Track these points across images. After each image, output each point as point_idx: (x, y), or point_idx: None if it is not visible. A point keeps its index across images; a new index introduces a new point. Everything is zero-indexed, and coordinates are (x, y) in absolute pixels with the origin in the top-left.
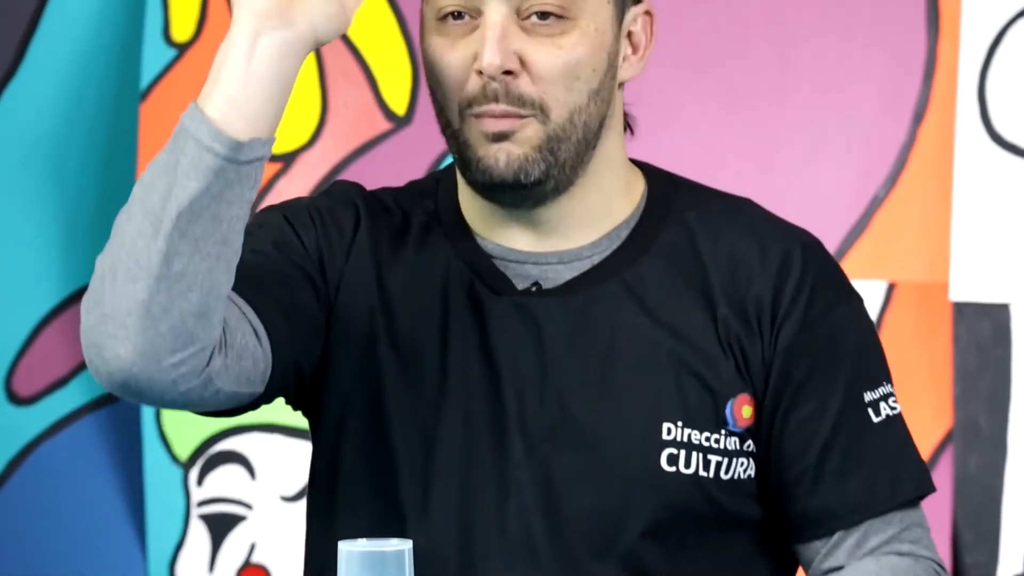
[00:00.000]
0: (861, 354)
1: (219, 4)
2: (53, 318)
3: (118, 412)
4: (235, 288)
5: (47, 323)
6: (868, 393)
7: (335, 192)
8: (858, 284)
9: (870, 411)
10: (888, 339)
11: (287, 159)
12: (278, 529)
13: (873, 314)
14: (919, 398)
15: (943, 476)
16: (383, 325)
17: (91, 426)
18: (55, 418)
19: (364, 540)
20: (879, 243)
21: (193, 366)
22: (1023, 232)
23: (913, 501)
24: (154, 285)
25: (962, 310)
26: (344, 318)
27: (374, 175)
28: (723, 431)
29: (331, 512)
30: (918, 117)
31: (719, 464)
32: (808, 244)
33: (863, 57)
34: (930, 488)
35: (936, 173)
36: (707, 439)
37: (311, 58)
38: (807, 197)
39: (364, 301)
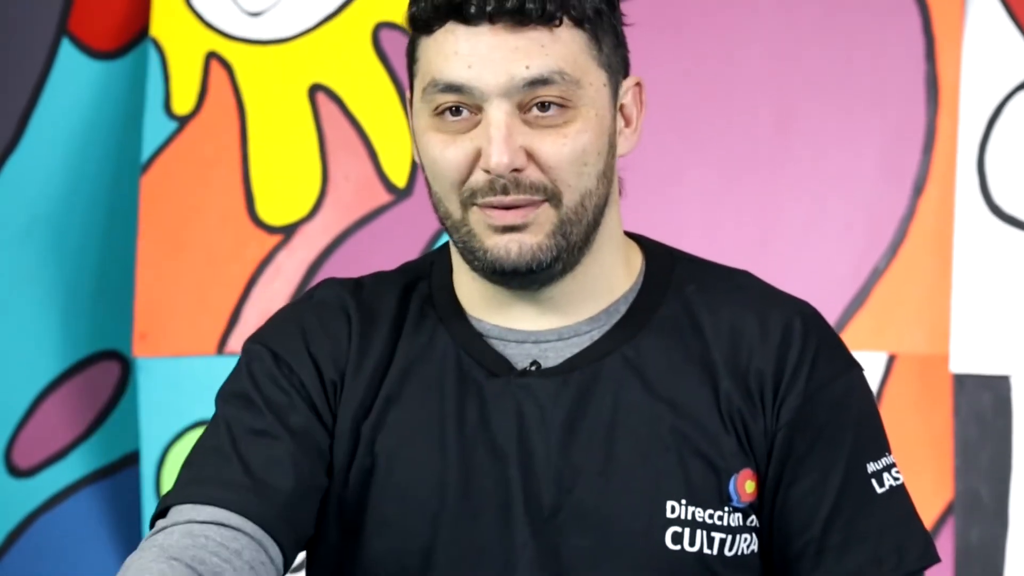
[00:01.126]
0: (863, 425)
1: (220, 77)
2: (53, 390)
3: (118, 484)
4: (248, 498)
5: (47, 395)
6: (871, 464)
7: (323, 300)
8: (858, 355)
9: (873, 482)
10: (888, 411)
11: (288, 231)
12: None
13: (873, 386)
14: (920, 470)
15: (944, 548)
16: (380, 416)
17: (91, 498)
18: (55, 490)
19: None
20: (879, 314)
21: None
22: (1023, 304)
23: (918, 572)
24: None
25: (963, 382)
26: (347, 424)
27: (374, 247)
28: (726, 508)
29: None
30: (918, 189)
31: (723, 541)
32: (808, 315)
33: (863, 129)
34: (935, 558)
35: (936, 245)
36: (711, 516)
37: (312, 130)
38: (807, 268)
39: (364, 400)
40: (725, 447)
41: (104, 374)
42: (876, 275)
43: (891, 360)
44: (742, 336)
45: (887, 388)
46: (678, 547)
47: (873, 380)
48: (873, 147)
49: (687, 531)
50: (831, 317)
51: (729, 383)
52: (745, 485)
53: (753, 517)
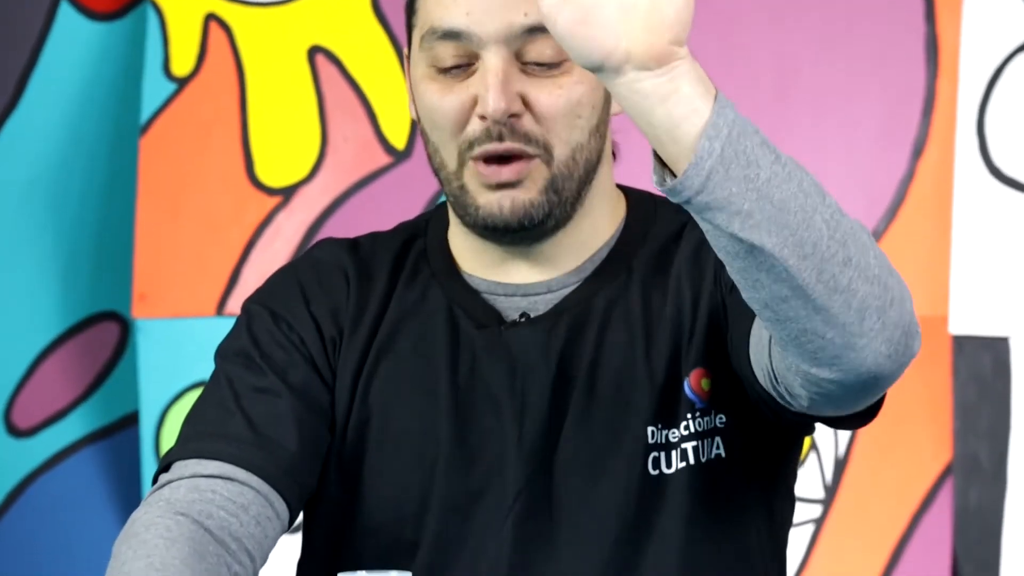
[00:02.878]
0: None
1: (219, 38)
2: (52, 351)
3: (117, 445)
4: (252, 453)
5: (46, 356)
6: None
7: (321, 259)
8: None
9: None
10: None
11: (287, 193)
12: (278, 561)
13: None
14: (919, 431)
15: (943, 509)
16: (373, 368)
17: (90, 458)
18: (54, 450)
19: (363, 572)
20: None
21: None
22: (1022, 265)
23: None
24: None
25: (962, 344)
26: (345, 376)
27: (374, 209)
28: (690, 415)
29: (326, 546)
30: (917, 151)
31: (696, 448)
32: None
33: (863, 91)
34: None
35: (935, 207)
36: (685, 427)
37: (311, 92)
38: None
39: (360, 355)
40: (682, 358)
41: (103, 335)
42: (875, 237)
43: None
44: (704, 247)
45: None
46: (657, 472)
47: None
48: (873, 109)
49: (663, 455)
50: None
51: (683, 294)
52: (700, 383)
53: (721, 415)
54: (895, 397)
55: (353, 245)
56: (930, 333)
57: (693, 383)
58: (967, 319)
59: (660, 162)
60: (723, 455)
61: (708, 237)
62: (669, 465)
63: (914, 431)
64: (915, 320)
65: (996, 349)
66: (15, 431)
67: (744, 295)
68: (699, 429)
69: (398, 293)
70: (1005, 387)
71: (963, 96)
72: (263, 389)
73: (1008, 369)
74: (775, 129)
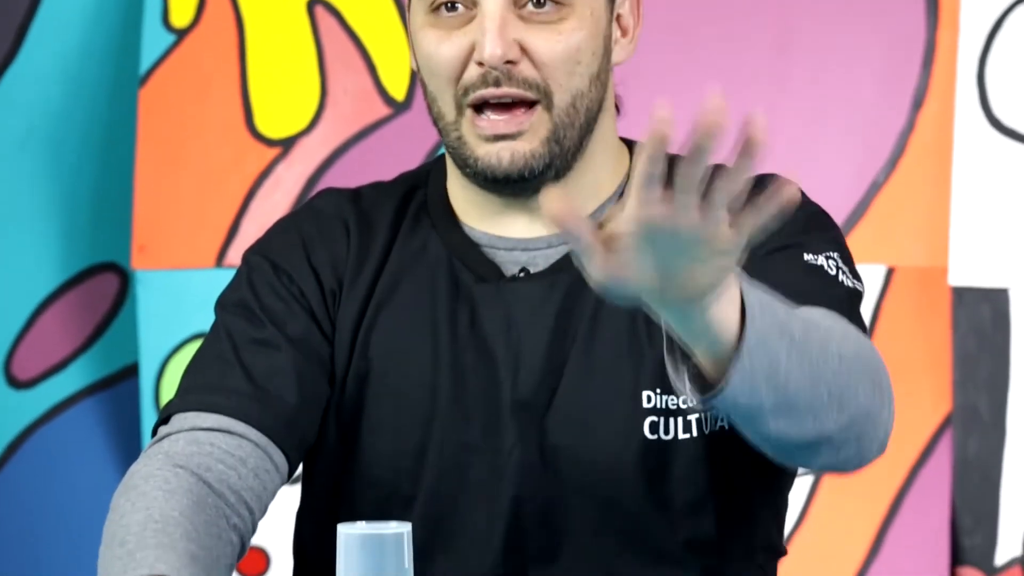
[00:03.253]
0: (810, 229)
1: None
2: (52, 302)
3: (117, 395)
4: (251, 406)
5: (46, 307)
6: (808, 255)
7: (322, 210)
8: (857, 268)
9: (806, 257)
10: (887, 324)
11: (286, 144)
12: (279, 512)
13: (872, 299)
14: (918, 383)
15: (942, 460)
16: (372, 321)
17: (90, 410)
18: (54, 402)
19: (363, 523)
20: (878, 228)
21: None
22: (1022, 217)
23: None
24: None
25: (961, 295)
26: (345, 329)
27: (373, 160)
28: None
29: (325, 498)
30: (917, 103)
31: (699, 421)
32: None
33: (862, 43)
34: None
35: (935, 159)
36: (685, 401)
37: (310, 43)
38: (806, 182)
39: (360, 307)
40: None
41: (103, 286)
42: (875, 188)
43: (890, 273)
44: None
45: (886, 301)
46: (655, 436)
47: (872, 293)
48: (873, 61)
49: (662, 420)
50: None
51: None
52: None
53: None
54: (895, 349)
55: (355, 195)
56: (929, 285)
57: None
58: (966, 270)
59: (672, 350)
60: (727, 427)
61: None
62: (668, 432)
63: (913, 382)
64: (892, 418)
65: (995, 300)
66: (15, 383)
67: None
68: None
69: (399, 244)
70: (1004, 338)
71: (963, 47)
72: (262, 341)
73: (1007, 320)
74: (774, 79)
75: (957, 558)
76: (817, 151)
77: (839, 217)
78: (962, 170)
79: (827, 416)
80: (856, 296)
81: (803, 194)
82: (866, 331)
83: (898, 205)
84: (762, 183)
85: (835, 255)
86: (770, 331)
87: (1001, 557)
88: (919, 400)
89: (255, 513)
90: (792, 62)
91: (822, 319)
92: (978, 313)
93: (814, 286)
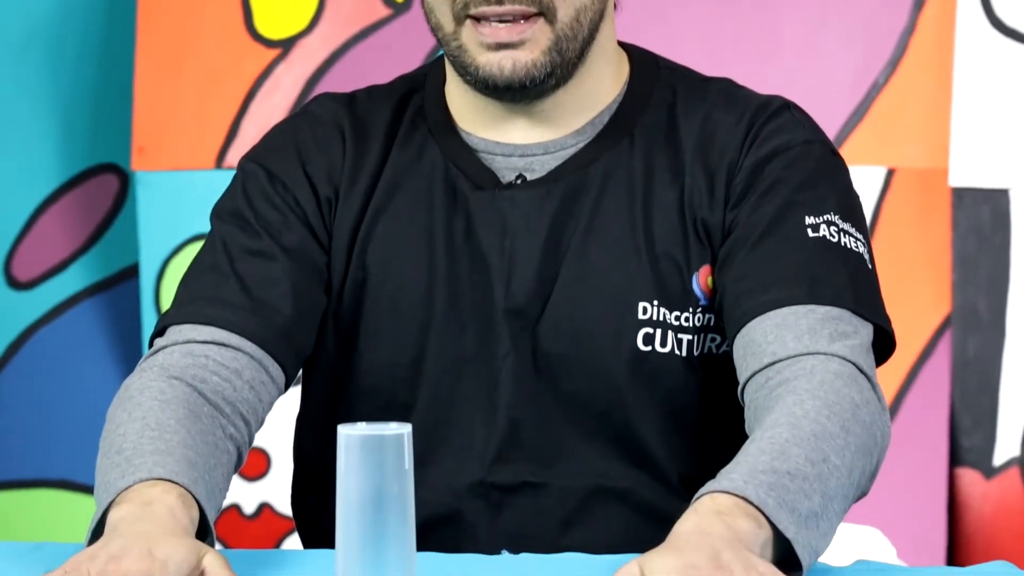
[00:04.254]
0: (812, 183)
1: None
2: (52, 203)
3: (117, 296)
4: (246, 318)
5: (46, 208)
6: (810, 217)
7: (318, 116)
8: (858, 170)
9: (808, 230)
10: (887, 225)
11: (286, 45)
12: (279, 414)
13: (872, 199)
14: (918, 284)
15: (941, 360)
16: (370, 229)
17: (90, 310)
18: (54, 303)
19: (363, 424)
20: (879, 129)
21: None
22: (1023, 118)
23: (835, 310)
24: None
25: (961, 196)
26: (342, 236)
27: (372, 62)
28: (692, 308)
29: (324, 406)
30: (918, 3)
31: (691, 342)
32: (781, 102)
33: None
34: (856, 309)
35: (936, 59)
36: (677, 317)
37: None
38: (807, 83)
39: (358, 214)
40: (691, 246)
41: (103, 187)
42: (876, 90)
43: (890, 174)
44: (713, 136)
45: (886, 202)
46: (649, 348)
47: (872, 194)
48: None
49: (658, 332)
50: (831, 132)
51: (692, 179)
52: (707, 281)
53: None
54: (895, 250)
55: (350, 100)
56: (930, 186)
57: (701, 280)
58: (967, 171)
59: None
60: (716, 352)
61: None
62: (664, 344)
63: (913, 283)
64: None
65: (996, 201)
66: (15, 284)
67: None
68: (699, 324)
69: (395, 150)
70: (1004, 239)
71: None
72: (257, 251)
73: (1008, 221)
74: None
75: (955, 458)
76: (818, 52)
77: (839, 119)
78: (963, 71)
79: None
80: (860, 263)
81: (806, 126)
82: (874, 297)
83: (899, 106)
84: (765, 107)
85: (836, 216)
86: (801, 526)
87: (999, 457)
88: (919, 301)
89: (251, 425)
90: None
91: (817, 425)
92: (978, 214)
93: (816, 272)
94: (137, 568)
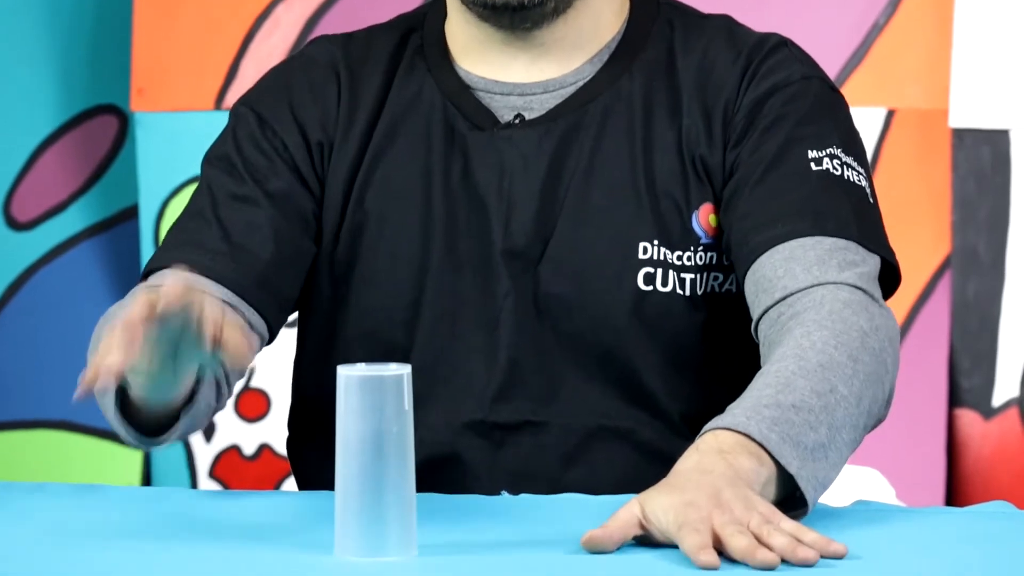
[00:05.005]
0: (813, 118)
1: None
2: (51, 144)
3: (117, 237)
4: (225, 264)
5: (45, 149)
6: (812, 151)
7: (313, 58)
8: (858, 111)
9: (811, 164)
10: (887, 166)
11: None
12: (278, 355)
13: (872, 140)
14: (918, 225)
15: (941, 302)
16: (369, 171)
17: (90, 251)
18: (54, 243)
19: (363, 365)
20: (879, 70)
21: (211, 414)
22: (1023, 58)
23: (840, 241)
24: (151, 444)
25: (962, 136)
26: (337, 182)
27: (372, 1)
28: (694, 247)
29: (320, 351)
30: None
31: (693, 281)
32: (779, 40)
33: None
34: (861, 240)
35: (937, 0)
36: (679, 257)
37: None
38: (807, 23)
39: (355, 159)
40: (691, 186)
41: (102, 128)
42: (876, 30)
43: (890, 115)
44: (711, 73)
45: (886, 143)
46: (650, 287)
47: (872, 135)
48: None
49: (659, 271)
50: (831, 72)
51: (691, 119)
52: (708, 219)
53: (723, 255)
54: (895, 191)
55: (347, 41)
56: (930, 126)
57: (702, 218)
58: (967, 112)
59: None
60: (719, 290)
61: None
62: (665, 284)
63: (913, 224)
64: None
65: (996, 142)
66: (15, 224)
67: None
68: (700, 263)
69: (395, 90)
70: (1004, 180)
71: None
72: (241, 197)
73: (1008, 162)
74: None
75: (955, 399)
76: None
77: (839, 60)
78: (963, 11)
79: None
80: (863, 196)
81: (804, 61)
82: (878, 229)
83: (899, 47)
84: (762, 44)
85: (839, 150)
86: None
87: (998, 398)
88: (918, 242)
89: (230, 374)
90: None
91: (824, 356)
92: (978, 155)
93: (820, 206)
94: (143, 301)
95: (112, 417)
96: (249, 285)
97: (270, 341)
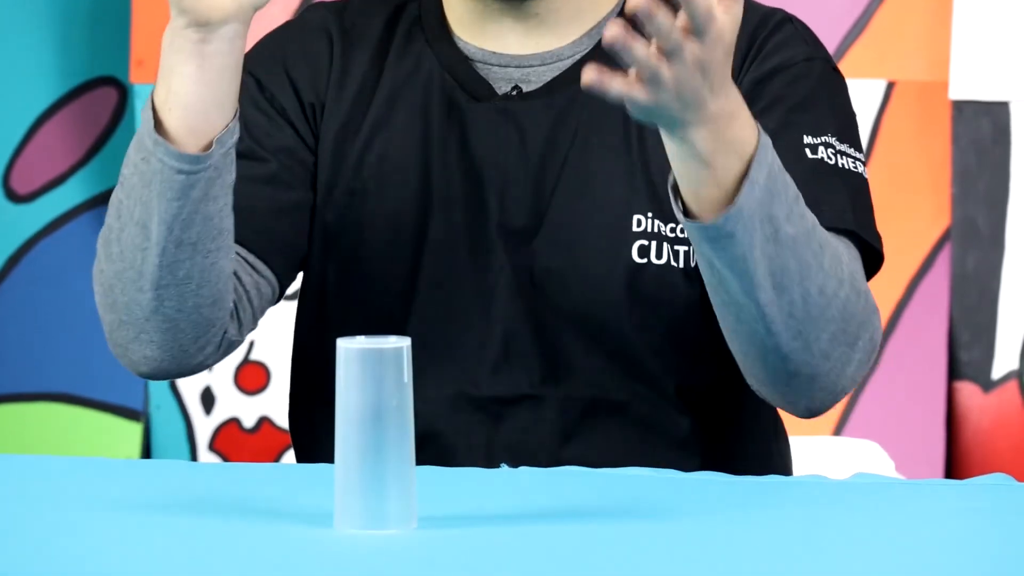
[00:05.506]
0: (810, 103)
1: None
2: (50, 116)
3: None
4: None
5: (44, 121)
6: (808, 137)
7: (307, 22)
8: (857, 83)
9: (806, 151)
10: (887, 138)
11: None
12: (278, 327)
13: (872, 113)
14: (917, 197)
15: (940, 274)
16: (367, 142)
17: (90, 223)
18: (53, 216)
19: (362, 337)
20: (879, 42)
21: (215, 343)
22: None
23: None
24: (164, 292)
25: (961, 108)
26: (330, 146)
27: None
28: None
29: (318, 320)
30: None
31: (687, 253)
32: (783, 16)
33: None
34: (856, 230)
35: None
36: (672, 230)
37: None
38: None
39: (349, 122)
40: None
41: (102, 100)
42: (876, 2)
43: (890, 87)
44: None
45: (886, 115)
46: (644, 260)
47: (872, 107)
48: None
49: (653, 244)
50: (830, 45)
51: None
52: None
53: None
54: (894, 163)
55: (342, 8)
56: (930, 98)
57: None
58: (967, 84)
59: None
60: None
61: (697, 253)
62: (660, 256)
63: (913, 196)
64: (876, 344)
65: (996, 114)
66: (14, 196)
67: (708, 290)
68: None
69: (392, 62)
70: (1004, 152)
71: None
72: (242, 153)
73: (1008, 134)
74: None
75: (954, 372)
76: None
77: (839, 31)
78: None
79: (810, 315)
80: (859, 183)
81: (808, 41)
82: (869, 218)
83: (899, 18)
84: (767, 20)
85: (833, 138)
86: (777, 170)
87: (998, 371)
88: (918, 214)
89: (244, 327)
90: None
91: (821, 232)
92: (978, 127)
93: (813, 194)
94: None
95: (147, 131)
96: (252, 236)
97: (281, 293)
